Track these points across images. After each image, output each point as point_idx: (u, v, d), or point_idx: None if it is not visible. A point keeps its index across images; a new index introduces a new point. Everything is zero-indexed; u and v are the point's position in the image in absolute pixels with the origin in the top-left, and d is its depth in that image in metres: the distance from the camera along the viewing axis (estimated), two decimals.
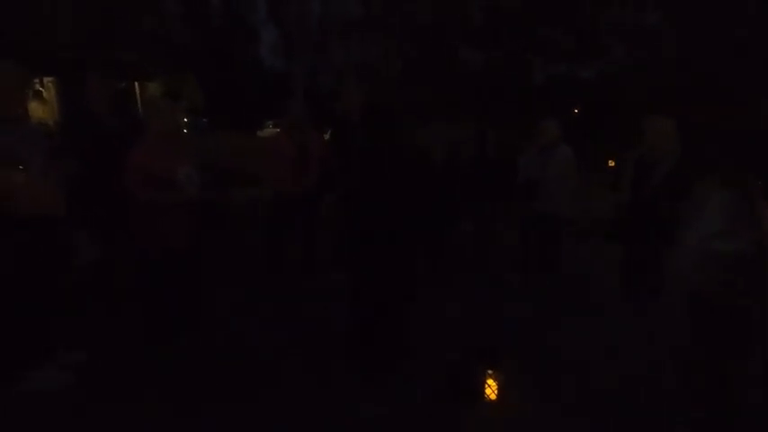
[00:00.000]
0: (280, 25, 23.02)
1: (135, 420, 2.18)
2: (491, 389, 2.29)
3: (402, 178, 2.50)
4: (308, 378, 2.54)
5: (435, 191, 4.08)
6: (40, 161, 2.02)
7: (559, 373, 2.66)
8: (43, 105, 7.09)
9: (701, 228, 1.88)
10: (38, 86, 7.16)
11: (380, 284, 2.48)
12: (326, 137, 4.63)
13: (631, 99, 13.64)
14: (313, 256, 4.11)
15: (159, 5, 16.72)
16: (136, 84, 8.85)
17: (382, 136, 2.49)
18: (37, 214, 1.97)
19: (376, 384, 2.44)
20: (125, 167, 2.61)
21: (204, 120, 17.23)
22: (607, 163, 11.35)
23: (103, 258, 2.77)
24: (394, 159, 2.49)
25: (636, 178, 3.42)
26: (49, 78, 7.33)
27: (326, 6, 21.84)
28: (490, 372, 2.31)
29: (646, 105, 9.80)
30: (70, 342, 2.58)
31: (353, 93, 3.97)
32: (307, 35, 20.93)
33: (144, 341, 2.77)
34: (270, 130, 15.54)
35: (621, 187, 3.57)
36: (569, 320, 3.39)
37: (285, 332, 3.08)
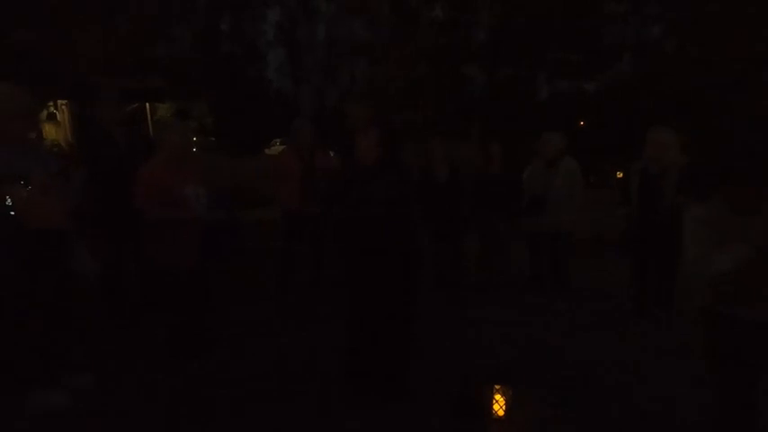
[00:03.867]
0: (288, 48, 23.59)
1: None
2: (499, 404, 2.25)
3: (408, 194, 2.49)
4: (312, 397, 2.49)
5: (440, 207, 4.11)
6: (43, 178, 2.07)
7: (569, 390, 2.61)
8: (57, 127, 7.29)
9: (707, 238, 1.85)
10: (52, 109, 7.38)
11: (376, 303, 2.43)
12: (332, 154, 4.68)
13: (636, 110, 13.65)
14: (322, 274, 4.11)
15: (171, 31, 17.24)
16: (147, 105, 9.08)
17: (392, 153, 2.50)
18: (40, 227, 2.01)
19: (374, 405, 2.38)
20: (135, 185, 2.66)
21: (213, 139, 17.51)
22: (615, 175, 11.32)
23: (105, 274, 2.79)
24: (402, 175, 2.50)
25: (641, 190, 3.40)
26: (63, 101, 7.55)
27: (333, 29, 22.38)
28: (498, 387, 2.27)
29: (650, 116, 9.79)
30: (76, 361, 2.56)
31: (363, 110, 4.02)
32: (314, 57, 21.41)
33: (150, 358, 2.77)
34: (276, 148, 15.75)
35: (628, 199, 3.56)
36: (579, 335, 3.34)
37: (292, 350, 3.05)
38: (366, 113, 3.69)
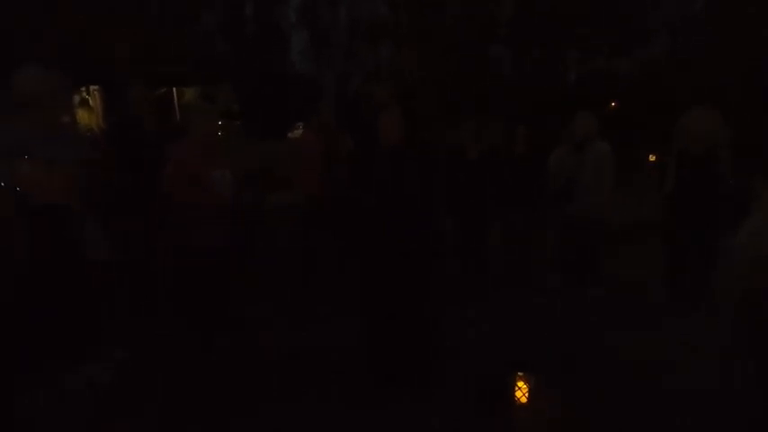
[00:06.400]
0: (310, 30, 23.43)
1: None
2: (521, 391, 2.23)
3: (425, 179, 2.45)
4: (337, 385, 2.52)
5: (465, 192, 4.04)
6: (52, 155, 2.06)
7: (593, 378, 2.56)
8: (89, 113, 7.52)
9: (750, 227, 1.76)
10: (84, 95, 7.59)
11: (394, 290, 2.43)
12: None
13: (673, 92, 12.99)
14: (345, 258, 4.11)
15: (195, 17, 17.38)
16: (174, 90, 9.24)
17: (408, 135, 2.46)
18: (44, 202, 2.02)
19: (396, 395, 2.39)
20: (164, 168, 2.72)
21: (238, 123, 17.65)
22: (648, 159, 10.84)
23: (119, 256, 2.80)
24: (420, 159, 2.46)
25: (683, 174, 3.26)
26: (95, 87, 7.76)
27: (355, 11, 22.03)
28: (520, 374, 2.25)
29: (688, 98, 9.31)
30: (106, 340, 2.57)
31: (386, 91, 3.94)
32: (336, 39, 21.18)
33: (170, 343, 2.82)
34: (299, 132, 15.76)
35: (665, 184, 3.41)
36: (605, 323, 3.26)
37: (314, 337, 3.08)
38: (388, 94, 3.63)
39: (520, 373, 2.25)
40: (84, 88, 7.61)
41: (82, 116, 7.13)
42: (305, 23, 23.35)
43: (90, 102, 7.76)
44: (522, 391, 2.23)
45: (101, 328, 2.52)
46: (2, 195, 1.79)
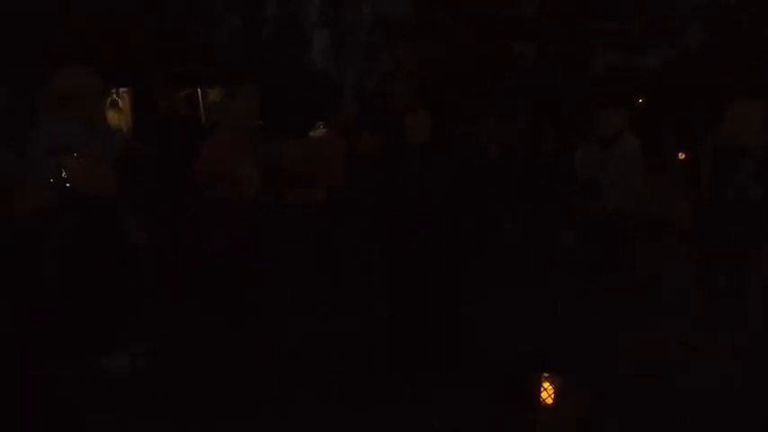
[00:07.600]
0: (332, 30, 23.55)
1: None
2: (547, 393, 2.19)
3: (451, 175, 2.43)
4: (356, 380, 2.52)
5: (487, 188, 3.99)
6: (97, 151, 2.12)
7: (618, 379, 2.49)
8: (119, 114, 7.78)
9: None
10: (114, 96, 7.85)
11: (421, 284, 2.42)
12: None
13: (703, 87, 12.49)
14: (365, 255, 4.11)
15: (218, 18, 17.71)
16: (198, 90, 9.44)
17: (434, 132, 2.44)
18: (90, 194, 2.11)
19: (420, 389, 2.39)
20: (195, 163, 2.77)
21: (261, 122, 17.87)
22: (677, 156, 10.47)
23: (153, 246, 2.86)
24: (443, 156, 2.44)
25: (718, 170, 3.12)
26: (124, 89, 8.02)
27: (377, 7, 21.98)
28: (546, 375, 2.21)
29: (719, 93, 8.93)
30: (136, 330, 2.65)
31: (408, 89, 3.94)
32: (356, 37, 21.22)
33: (192, 334, 2.88)
34: (320, 131, 15.91)
35: (700, 181, 3.28)
36: (631, 324, 3.17)
37: (333, 331, 3.09)
38: (411, 92, 3.62)
39: (545, 374, 2.21)
40: (114, 90, 7.86)
41: (112, 117, 7.37)
42: (325, 22, 23.47)
43: (119, 103, 8.01)
44: (547, 392, 2.19)
45: (138, 311, 2.61)
46: (52, 190, 1.88)
